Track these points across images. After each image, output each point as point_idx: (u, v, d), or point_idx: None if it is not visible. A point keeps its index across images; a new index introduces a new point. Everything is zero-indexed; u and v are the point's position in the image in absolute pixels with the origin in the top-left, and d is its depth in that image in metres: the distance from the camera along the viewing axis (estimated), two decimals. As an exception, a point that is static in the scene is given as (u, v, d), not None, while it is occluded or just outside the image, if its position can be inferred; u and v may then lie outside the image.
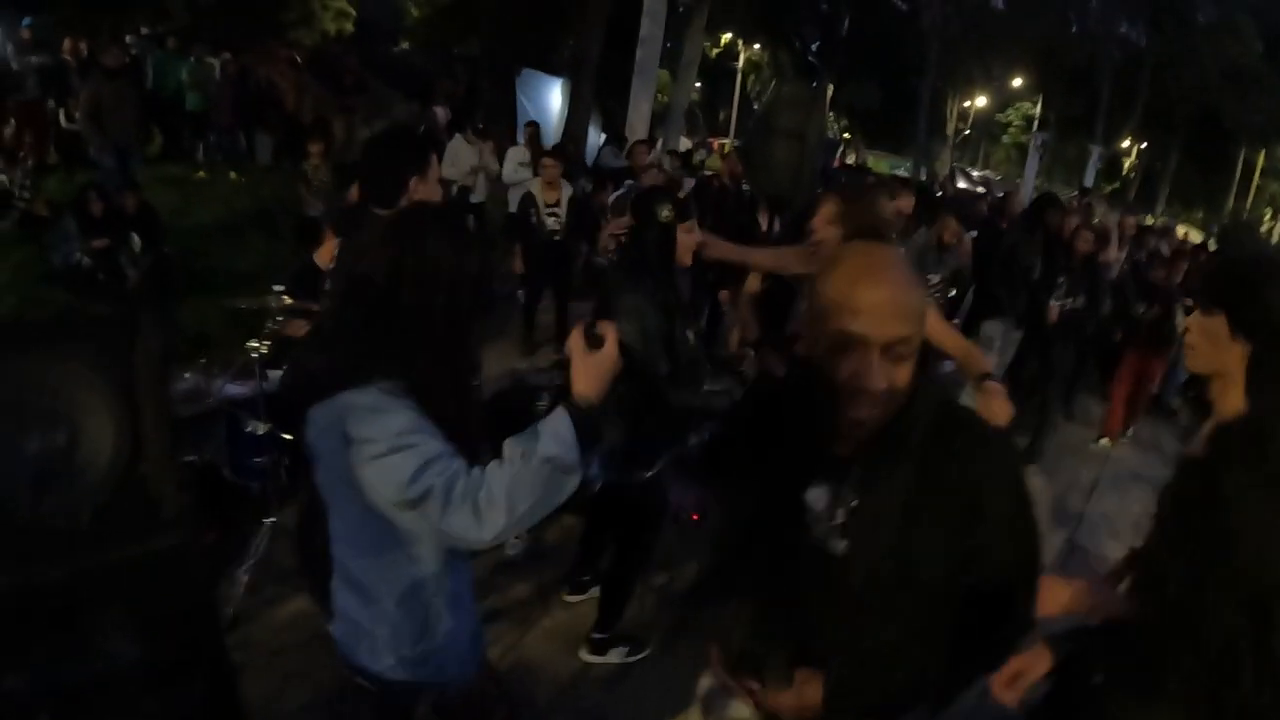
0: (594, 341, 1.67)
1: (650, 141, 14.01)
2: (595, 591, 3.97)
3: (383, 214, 2.77)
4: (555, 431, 1.58)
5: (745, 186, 8.04)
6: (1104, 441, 7.52)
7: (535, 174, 7.57)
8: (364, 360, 1.60)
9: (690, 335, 3.32)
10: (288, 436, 4.08)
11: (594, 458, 1.74)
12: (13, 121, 11.11)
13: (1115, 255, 7.80)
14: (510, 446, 1.59)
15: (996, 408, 3.02)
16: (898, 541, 1.41)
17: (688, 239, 3.37)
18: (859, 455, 1.45)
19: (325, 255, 4.60)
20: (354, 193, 3.39)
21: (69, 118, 11.10)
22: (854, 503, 1.46)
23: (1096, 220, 9.89)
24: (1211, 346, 1.88)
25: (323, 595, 1.86)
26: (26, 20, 12.29)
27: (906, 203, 5.67)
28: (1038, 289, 6.58)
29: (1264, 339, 1.80)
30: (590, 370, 1.65)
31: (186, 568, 1.80)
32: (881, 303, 1.33)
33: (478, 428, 1.76)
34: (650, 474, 3.41)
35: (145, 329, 1.67)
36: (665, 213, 3.30)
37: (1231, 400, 1.88)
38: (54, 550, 1.66)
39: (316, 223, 4.87)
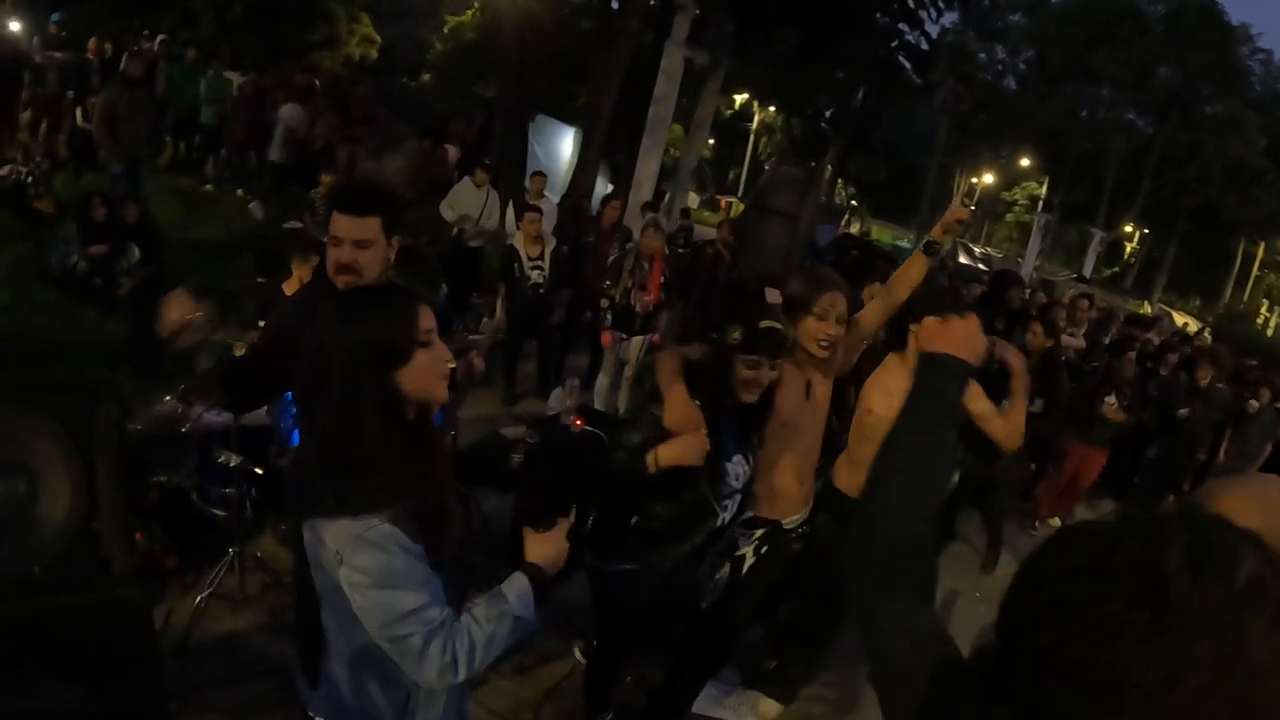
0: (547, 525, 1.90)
1: (658, 196, 14.21)
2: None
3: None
4: (520, 594, 1.79)
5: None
6: (1053, 521, 7.29)
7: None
8: (359, 494, 1.65)
9: (715, 470, 3.00)
10: (257, 470, 4.16)
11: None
12: (30, 113, 11.31)
13: (1077, 343, 7.58)
14: (486, 608, 1.76)
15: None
16: None
17: (747, 375, 2.90)
18: None
19: (293, 285, 4.69)
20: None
21: (85, 116, 11.24)
22: None
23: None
24: None
25: (311, 668, 1.94)
26: (54, 15, 12.47)
27: None
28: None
29: None
30: (543, 548, 1.89)
31: (131, 623, 1.87)
32: None
33: (452, 521, 1.85)
34: (619, 568, 3.15)
35: (106, 396, 1.77)
36: (735, 335, 2.88)
37: None
38: (5, 592, 1.74)
39: (280, 250, 4.92)
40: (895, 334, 3.65)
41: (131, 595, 1.85)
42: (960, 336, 1.59)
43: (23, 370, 5.34)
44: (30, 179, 8.89)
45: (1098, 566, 0.84)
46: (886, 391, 3.59)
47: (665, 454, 2.83)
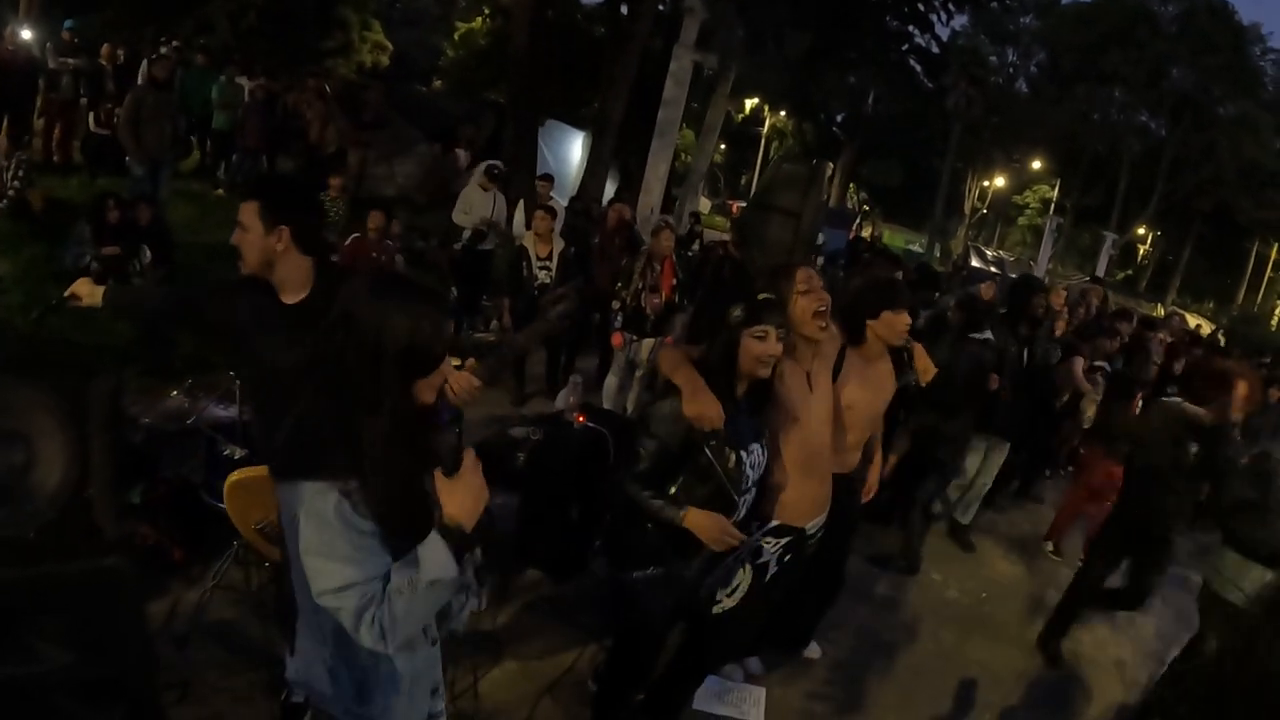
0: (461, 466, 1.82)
1: (669, 201, 14.23)
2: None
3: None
4: (433, 556, 1.70)
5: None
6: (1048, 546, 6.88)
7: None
8: (318, 455, 1.69)
9: (732, 459, 2.88)
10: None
11: (472, 569, 1.86)
12: (44, 119, 11.44)
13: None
14: (398, 576, 1.70)
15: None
16: None
17: (758, 348, 2.83)
18: None
19: None
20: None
21: (98, 121, 11.34)
22: None
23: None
24: None
25: (289, 631, 1.95)
26: (69, 22, 12.60)
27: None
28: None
29: None
30: (456, 495, 1.78)
31: (121, 591, 1.90)
32: None
33: (424, 522, 1.79)
34: (641, 576, 3.00)
35: (101, 369, 1.80)
36: (736, 313, 2.81)
37: None
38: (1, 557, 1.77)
39: None
40: (851, 329, 3.65)
41: (120, 564, 1.87)
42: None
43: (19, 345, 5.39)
44: (13, 177, 8.87)
45: None
46: (862, 384, 3.63)
47: (692, 521, 2.81)
